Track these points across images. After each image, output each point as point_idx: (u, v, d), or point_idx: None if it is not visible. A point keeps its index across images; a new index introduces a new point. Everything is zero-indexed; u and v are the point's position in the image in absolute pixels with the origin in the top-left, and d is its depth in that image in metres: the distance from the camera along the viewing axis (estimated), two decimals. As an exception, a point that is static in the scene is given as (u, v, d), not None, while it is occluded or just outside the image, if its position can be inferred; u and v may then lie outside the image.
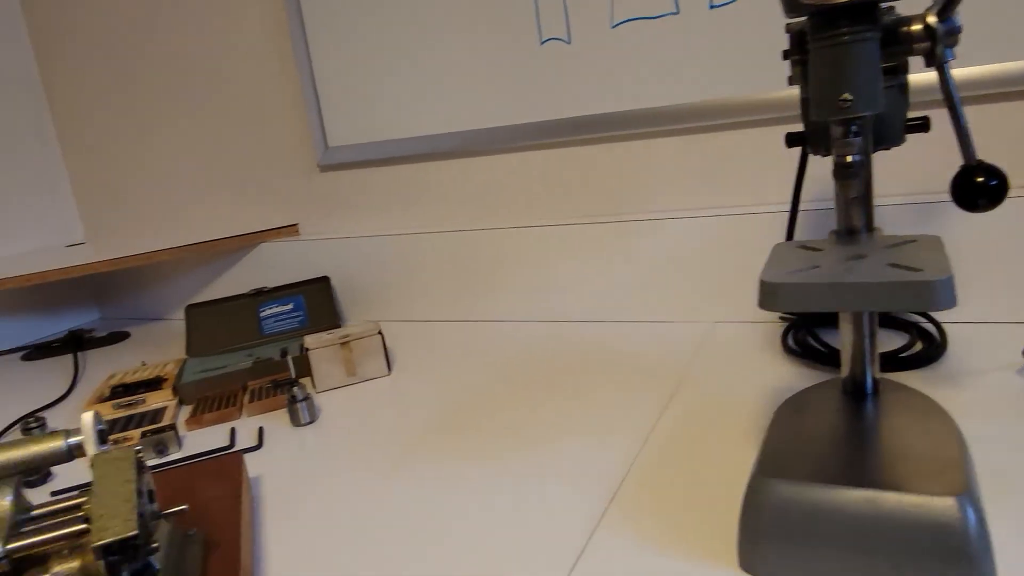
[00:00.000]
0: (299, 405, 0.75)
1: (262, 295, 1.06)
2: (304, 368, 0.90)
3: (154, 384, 0.90)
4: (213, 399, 0.86)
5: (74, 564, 0.37)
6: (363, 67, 1.05)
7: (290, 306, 1.05)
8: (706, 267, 0.89)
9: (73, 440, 0.41)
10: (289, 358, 0.89)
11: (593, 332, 0.92)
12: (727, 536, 0.47)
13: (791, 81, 0.53)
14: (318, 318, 1.04)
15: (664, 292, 0.91)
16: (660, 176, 0.92)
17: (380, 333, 0.85)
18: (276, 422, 0.78)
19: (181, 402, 0.87)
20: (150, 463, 0.73)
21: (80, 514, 0.42)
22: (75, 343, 1.23)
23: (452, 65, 0.99)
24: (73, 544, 0.39)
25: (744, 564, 0.43)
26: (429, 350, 0.95)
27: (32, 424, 0.83)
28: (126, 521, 0.36)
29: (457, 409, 0.74)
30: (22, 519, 0.40)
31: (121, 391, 0.89)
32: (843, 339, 0.50)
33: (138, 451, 0.42)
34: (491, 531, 0.52)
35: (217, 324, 1.02)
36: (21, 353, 1.23)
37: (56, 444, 0.41)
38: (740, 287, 0.88)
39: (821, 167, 0.84)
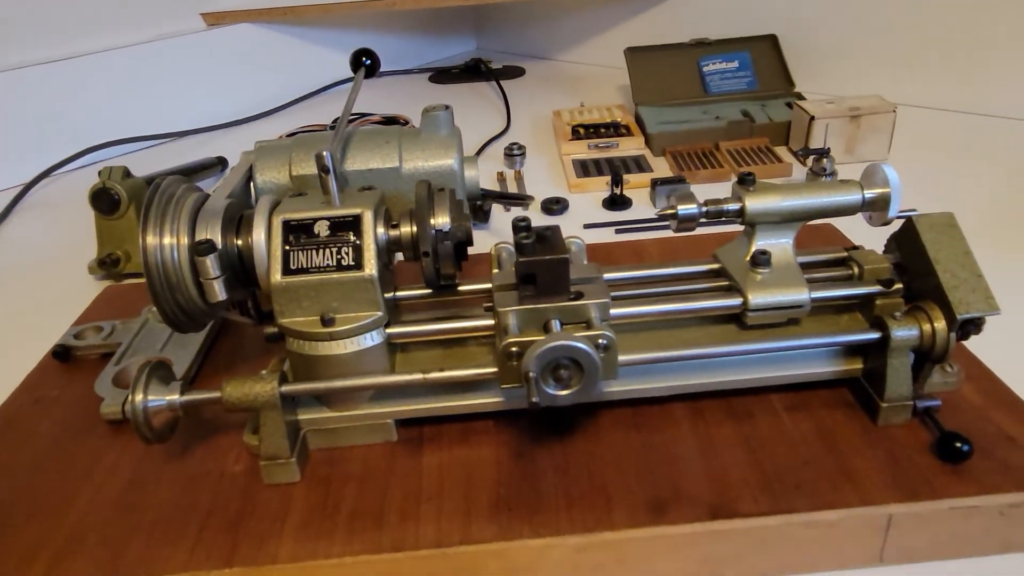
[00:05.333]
0: (824, 179, 0.70)
1: (703, 47, 0.98)
2: (779, 134, 0.84)
3: (614, 129, 0.89)
4: (685, 154, 0.83)
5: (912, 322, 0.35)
6: None
7: (735, 64, 0.96)
8: None
9: (871, 193, 0.38)
10: (789, 125, 0.83)
11: None
12: None
13: None
14: (768, 81, 0.95)
15: None
16: None
17: (895, 111, 0.76)
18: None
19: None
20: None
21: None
22: (475, 71, 1.24)
23: None
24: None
25: None
26: (919, 139, 0.84)
27: (516, 151, 0.85)
28: (987, 299, 0.33)
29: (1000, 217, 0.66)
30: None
31: (584, 132, 0.89)
32: None
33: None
34: None
35: (658, 73, 0.96)
36: (428, 74, 1.27)
37: (852, 194, 0.38)
38: None
39: None
